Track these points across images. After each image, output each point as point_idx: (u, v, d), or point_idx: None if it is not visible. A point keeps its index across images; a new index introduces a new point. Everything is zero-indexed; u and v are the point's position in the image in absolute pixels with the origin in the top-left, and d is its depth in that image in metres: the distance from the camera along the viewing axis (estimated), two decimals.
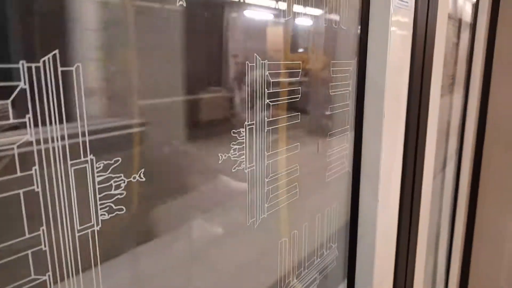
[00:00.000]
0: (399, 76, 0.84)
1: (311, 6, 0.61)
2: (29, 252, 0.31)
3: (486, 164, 1.80)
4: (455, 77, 1.55)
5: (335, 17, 0.68)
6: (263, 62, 0.52)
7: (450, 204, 1.73)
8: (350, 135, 0.79)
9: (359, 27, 0.76)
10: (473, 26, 1.64)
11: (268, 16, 0.55)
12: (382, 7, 0.74)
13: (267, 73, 0.53)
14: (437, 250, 1.66)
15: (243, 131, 0.51)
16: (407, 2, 0.79)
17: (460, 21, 1.52)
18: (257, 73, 0.52)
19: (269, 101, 0.55)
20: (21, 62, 0.29)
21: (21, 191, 0.30)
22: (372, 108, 0.78)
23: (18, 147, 0.30)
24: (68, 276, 0.34)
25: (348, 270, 0.87)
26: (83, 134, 0.33)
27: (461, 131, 1.69)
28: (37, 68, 0.30)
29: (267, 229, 0.59)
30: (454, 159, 1.69)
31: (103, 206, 0.36)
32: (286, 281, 0.65)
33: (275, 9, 0.55)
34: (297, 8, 0.58)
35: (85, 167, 0.34)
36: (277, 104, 0.57)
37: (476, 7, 1.64)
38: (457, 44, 1.53)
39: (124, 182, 0.37)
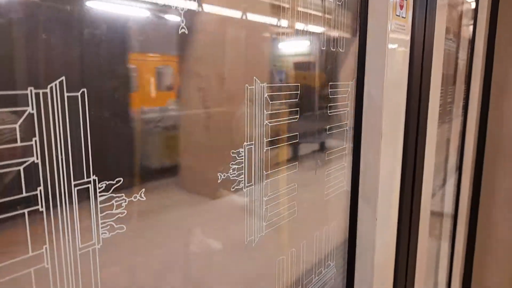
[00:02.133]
0: (397, 94, 0.85)
1: (311, 30, 0.63)
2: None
3: (487, 179, 1.80)
4: (455, 93, 1.57)
5: (334, 39, 0.70)
6: (262, 85, 0.54)
7: (451, 220, 1.72)
8: (348, 154, 0.81)
9: (357, 49, 0.78)
10: (472, 42, 1.66)
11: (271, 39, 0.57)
12: (379, 30, 0.76)
13: (266, 95, 0.55)
14: (438, 269, 1.65)
15: (242, 151, 0.53)
16: (403, 25, 0.82)
17: (458, 38, 1.55)
18: (257, 95, 0.54)
19: (268, 122, 0.56)
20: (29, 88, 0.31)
21: (25, 211, 0.31)
22: (370, 128, 0.79)
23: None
24: None
25: None
26: None
27: (461, 146, 1.70)
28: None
29: (265, 247, 0.60)
30: (455, 176, 1.69)
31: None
32: None
33: (277, 30, 0.57)
34: (299, 31, 0.60)
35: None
36: (276, 124, 0.58)
37: (474, 25, 1.66)
38: (456, 60, 1.55)
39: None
